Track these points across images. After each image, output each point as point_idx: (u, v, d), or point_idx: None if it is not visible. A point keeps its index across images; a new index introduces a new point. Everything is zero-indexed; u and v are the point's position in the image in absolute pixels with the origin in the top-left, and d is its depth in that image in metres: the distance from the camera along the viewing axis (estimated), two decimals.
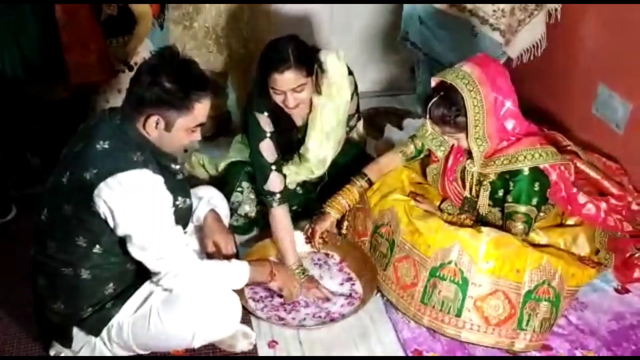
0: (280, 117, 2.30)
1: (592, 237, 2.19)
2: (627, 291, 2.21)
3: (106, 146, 1.63)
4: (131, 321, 1.75)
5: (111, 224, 1.64)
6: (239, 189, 2.45)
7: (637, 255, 2.23)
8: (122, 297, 1.77)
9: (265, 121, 2.28)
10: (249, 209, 2.46)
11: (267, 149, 2.27)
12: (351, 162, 2.51)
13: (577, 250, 2.15)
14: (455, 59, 2.79)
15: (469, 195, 2.14)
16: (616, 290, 2.22)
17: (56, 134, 2.63)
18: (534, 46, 2.79)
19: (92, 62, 2.45)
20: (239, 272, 1.85)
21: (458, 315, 1.94)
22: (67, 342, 1.80)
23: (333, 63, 2.27)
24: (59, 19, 2.34)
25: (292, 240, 2.24)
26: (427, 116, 2.02)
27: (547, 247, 2.07)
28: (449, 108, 1.95)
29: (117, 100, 2.75)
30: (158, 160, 1.70)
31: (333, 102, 2.30)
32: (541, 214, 2.12)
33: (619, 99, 2.52)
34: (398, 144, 2.32)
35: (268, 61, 2.12)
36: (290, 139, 2.40)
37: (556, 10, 2.74)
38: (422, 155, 2.27)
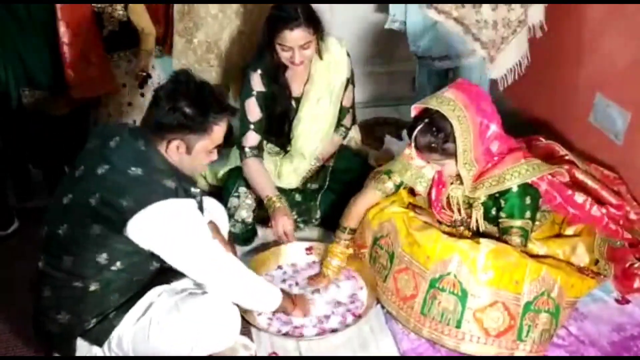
0: (278, 81, 2.42)
1: (591, 247, 2.18)
2: (628, 302, 2.21)
3: (139, 172, 1.66)
4: (132, 332, 1.76)
5: (148, 248, 1.69)
6: (236, 194, 2.47)
7: (636, 265, 2.23)
8: (124, 307, 1.78)
9: (256, 80, 2.41)
10: (245, 214, 2.47)
11: (252, 107, 2.42)
12: (353, 171, 2.53)
13: (576, 260, 2.14)
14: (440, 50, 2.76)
15: (459, 218, 2.14)
16: (616, 300, 2.21)
17: (58, 147, 2.66)
18: (517, 64, 2.73)
19: (94, 76, 2.46)
20: (273, 297, 1.95)
21: (458, 326, 1.94)
22: (69, 353, 1.80)
23: (333, 42, 2.44)
24: (63, 35, 2.36)
25: (268, 177, 2.44)
26: (413, 145, 1.99)
27: (546, 257, 2.08)
28: (436, 135, 1.93)
29: (118, 113, 2.77)
30: (181, 184, 1.73)
31: (328, 74, 2.44)
32: (537, 223, 2.12)
33: (617, 109, 2.52)
34: (373, 180, 2.22)
35: (278, 19, 2.25)
36: (286, 109, 2.49)
37: (534, 27, 2.70)
38: (401, 189, 2.22)
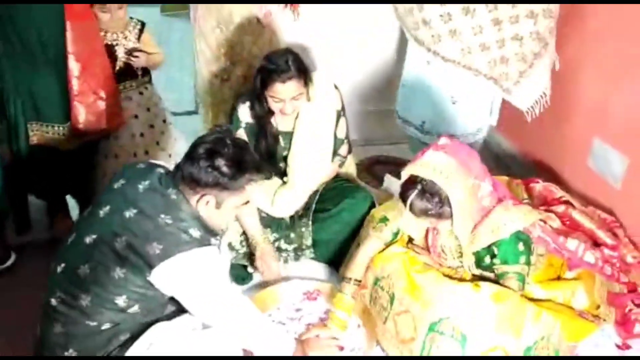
0: (263, 123, 2.44)
1: (592, 291, 2.17)
2: (628, 347, 2.19)
3: (168, 221, 1.69)
4: None
5: (169, 294, 1.71)
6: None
7: (635, 310, 2.21)
8: (128, 343, 1.76)
9: (244, 111, 2.45)
10: (241, 259, 2.48)
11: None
12: (339, 189, 2.55)
13: (576, 304, 2.13)
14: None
15: (454, 265, 2.14)
16: (617, 346, 2.19)
17: (64, 179, 2.65)
18: (543, 95, 2.74)
19: (101, 111, 2.48)
20: (286, 348, 1.93)
21: None
22: None
23: (319, 76, 2.46)
24: (72, 69, 2.37)
25: (255, 217, 2.43)
26: (408, 210, 1.96)
27: (546, 301, 2.07)
28: (431, 201, 1.91)
29: (130, 145, 2.78)
30: (205, 233, 1.74)
31: (318, 108, 2.45)
32: (532, 267, 2.10)
33: (616, 154, 2.54)
34: (372, 229, 2.23)
35: (270, 72, 2.28)
36: (271, 146, 2.48)
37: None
38: (399, 237, 2.22)
